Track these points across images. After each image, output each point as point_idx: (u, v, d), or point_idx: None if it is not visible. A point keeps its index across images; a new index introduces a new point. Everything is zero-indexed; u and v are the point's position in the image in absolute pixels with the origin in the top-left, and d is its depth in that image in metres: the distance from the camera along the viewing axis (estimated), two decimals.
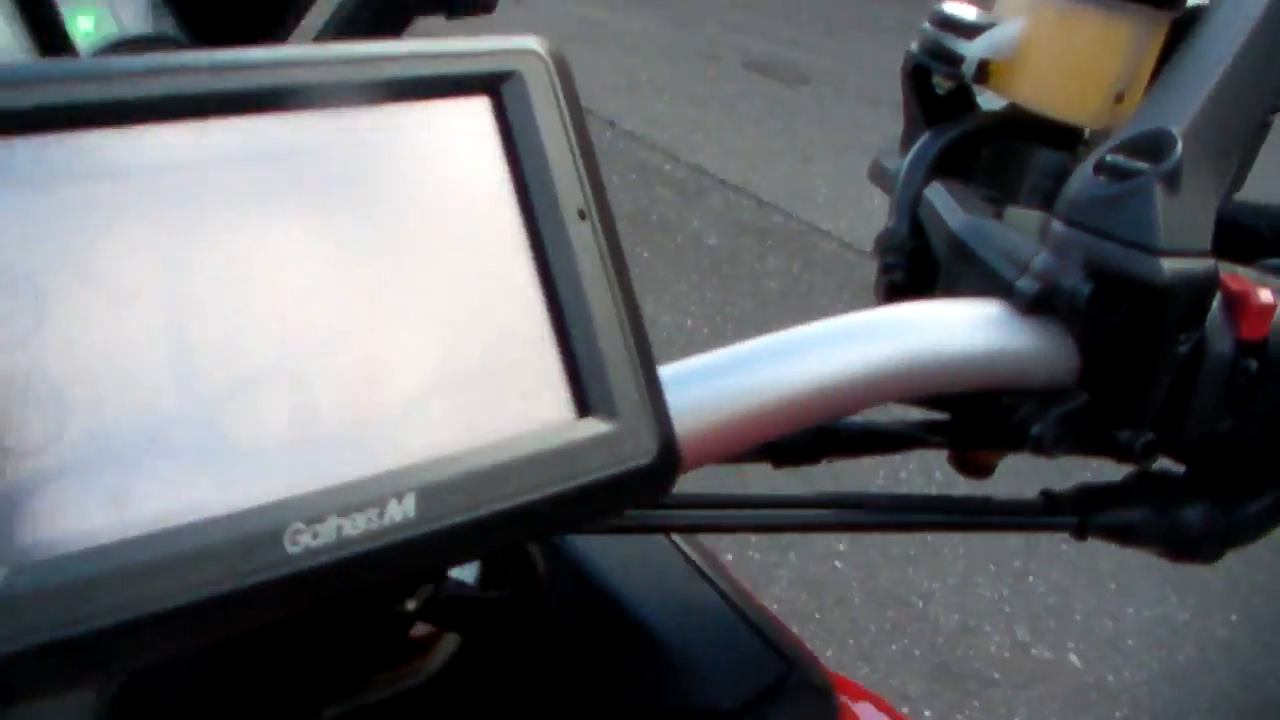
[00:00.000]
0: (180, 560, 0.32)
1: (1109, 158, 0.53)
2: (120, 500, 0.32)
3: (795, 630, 0.69)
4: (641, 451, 0.40)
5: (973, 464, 0.61)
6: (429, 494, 0.36)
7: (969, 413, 0.57)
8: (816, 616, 2.39)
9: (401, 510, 0.35)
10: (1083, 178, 0.54)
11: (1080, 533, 0.58)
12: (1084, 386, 0.54)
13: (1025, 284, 0.54)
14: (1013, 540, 2.66)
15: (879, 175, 0.66)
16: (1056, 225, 0.54)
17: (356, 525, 0.34)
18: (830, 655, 2.24)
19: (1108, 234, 0.52)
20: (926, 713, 2.22)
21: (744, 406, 0.47)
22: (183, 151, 0.35)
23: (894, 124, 0.66)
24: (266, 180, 0.36)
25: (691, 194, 4.03)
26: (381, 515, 0.35)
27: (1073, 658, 2.41)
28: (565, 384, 0.39)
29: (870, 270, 0.65)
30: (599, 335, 0.39)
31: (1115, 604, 2.57)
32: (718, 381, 0.47)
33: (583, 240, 0.40)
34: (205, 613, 0.32)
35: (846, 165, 4.25)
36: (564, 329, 0.39)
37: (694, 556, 0.70)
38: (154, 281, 0.33)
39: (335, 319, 0.36)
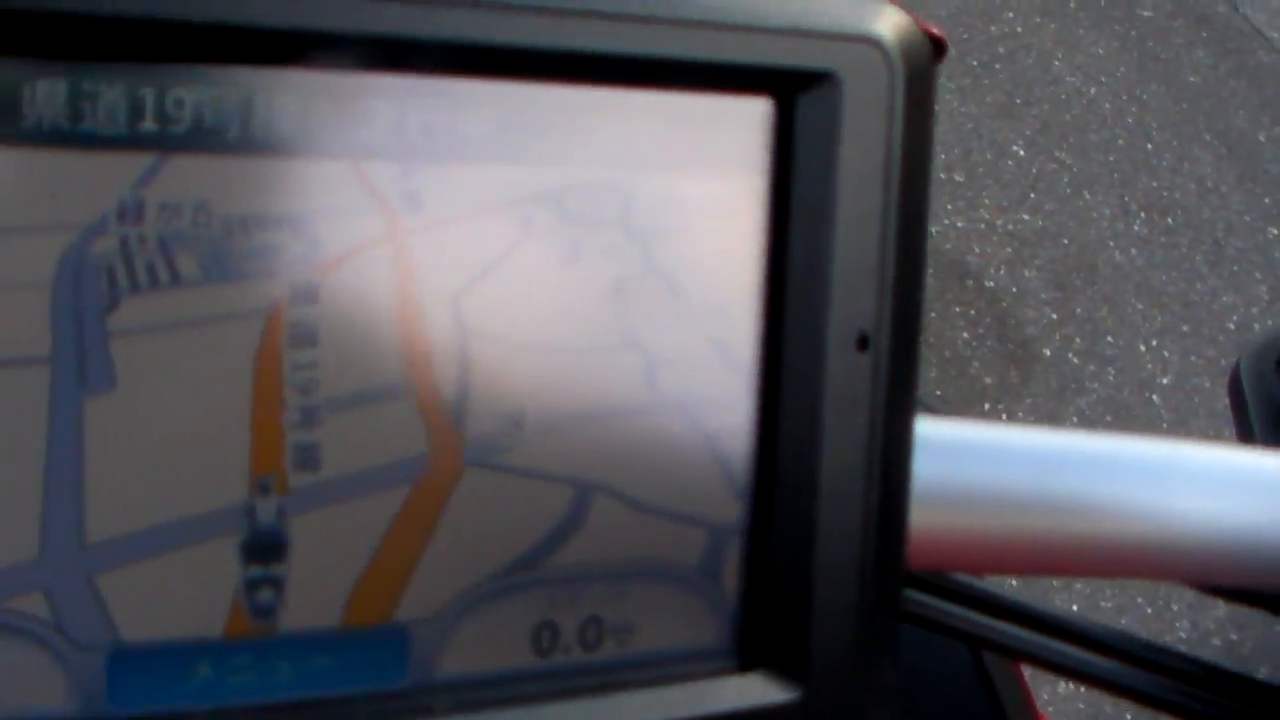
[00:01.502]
0: None
1: None
2: None
3: None
4: None
5: None
6: None
7: None
8: None
9: None
10: None
11: None
12: None
13: None
14: None
15: None
16: None
17: None
18: None
19: None
20: None
21: (1030, 526, 0.33)
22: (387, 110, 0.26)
23: None
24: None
25: None
26: None
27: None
28: (732, 609, 0.24)
29: None
30: (819, 546, 0.24)
31: None
32: (1007, 475, 0.33)
33: (850, 384, 0.24)
34: None
35: None
36: (764, 516, 0.24)
37: None
38: None
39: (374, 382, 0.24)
